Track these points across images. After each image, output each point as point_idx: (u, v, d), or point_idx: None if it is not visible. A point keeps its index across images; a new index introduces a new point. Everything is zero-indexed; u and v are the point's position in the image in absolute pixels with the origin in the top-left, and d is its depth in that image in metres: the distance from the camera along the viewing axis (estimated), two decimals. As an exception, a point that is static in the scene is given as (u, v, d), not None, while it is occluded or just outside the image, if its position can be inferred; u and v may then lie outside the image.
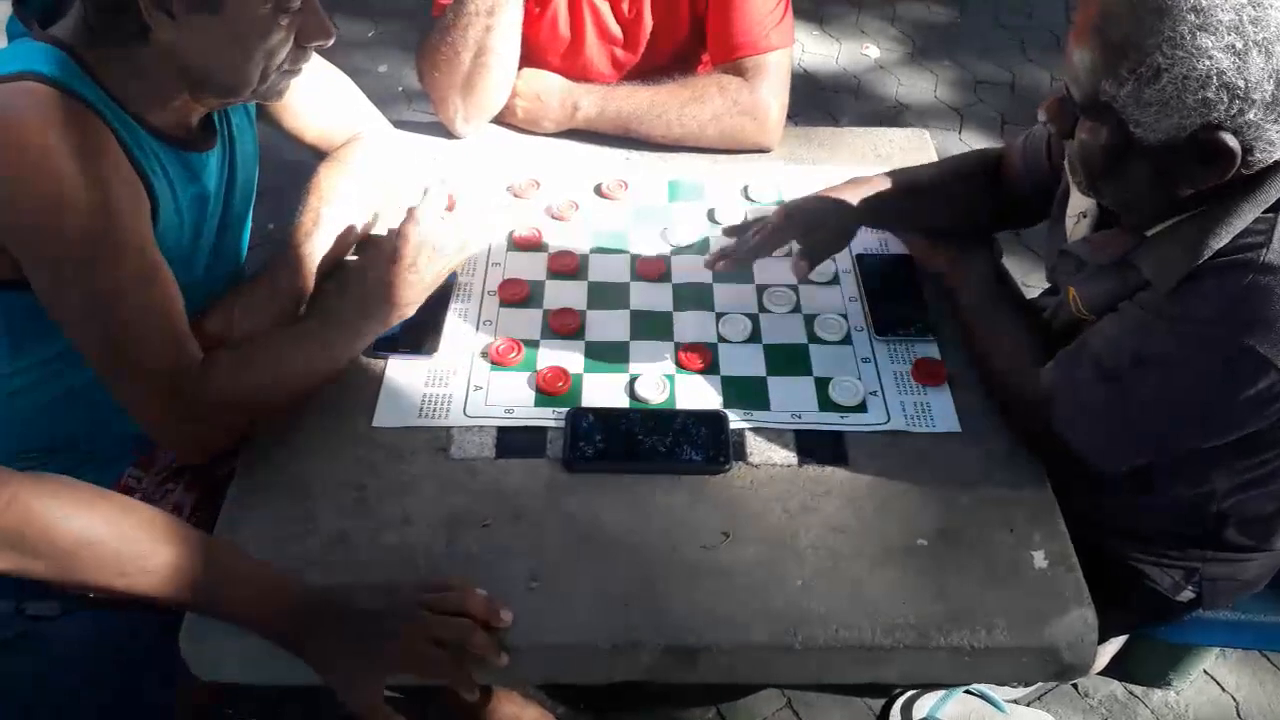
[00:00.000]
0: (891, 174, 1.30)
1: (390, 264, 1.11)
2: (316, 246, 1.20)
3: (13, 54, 0.96)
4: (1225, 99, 0.86)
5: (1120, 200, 1.01)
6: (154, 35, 0.96)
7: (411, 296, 1.13)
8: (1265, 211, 0.93)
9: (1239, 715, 1.74)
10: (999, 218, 1.32)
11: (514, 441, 1.09)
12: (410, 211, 1.14)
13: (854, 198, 1.25)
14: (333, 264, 1.23)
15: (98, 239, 0.94)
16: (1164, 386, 0.98)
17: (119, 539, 0.86)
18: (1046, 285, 1.35)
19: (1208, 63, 0.85)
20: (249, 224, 1.26)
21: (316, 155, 1.31)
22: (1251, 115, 0.86)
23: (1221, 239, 0.93)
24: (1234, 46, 0.84)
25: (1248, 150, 0.89)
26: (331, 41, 1.06)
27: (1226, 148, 0.88)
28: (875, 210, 1.26)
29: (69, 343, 1.05)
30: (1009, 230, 1.38)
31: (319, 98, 1.27)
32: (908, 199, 1.28)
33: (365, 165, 1.30)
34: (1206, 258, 0.94)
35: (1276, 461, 1.09)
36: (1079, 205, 1.13)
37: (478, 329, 1.22)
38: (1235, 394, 0.95)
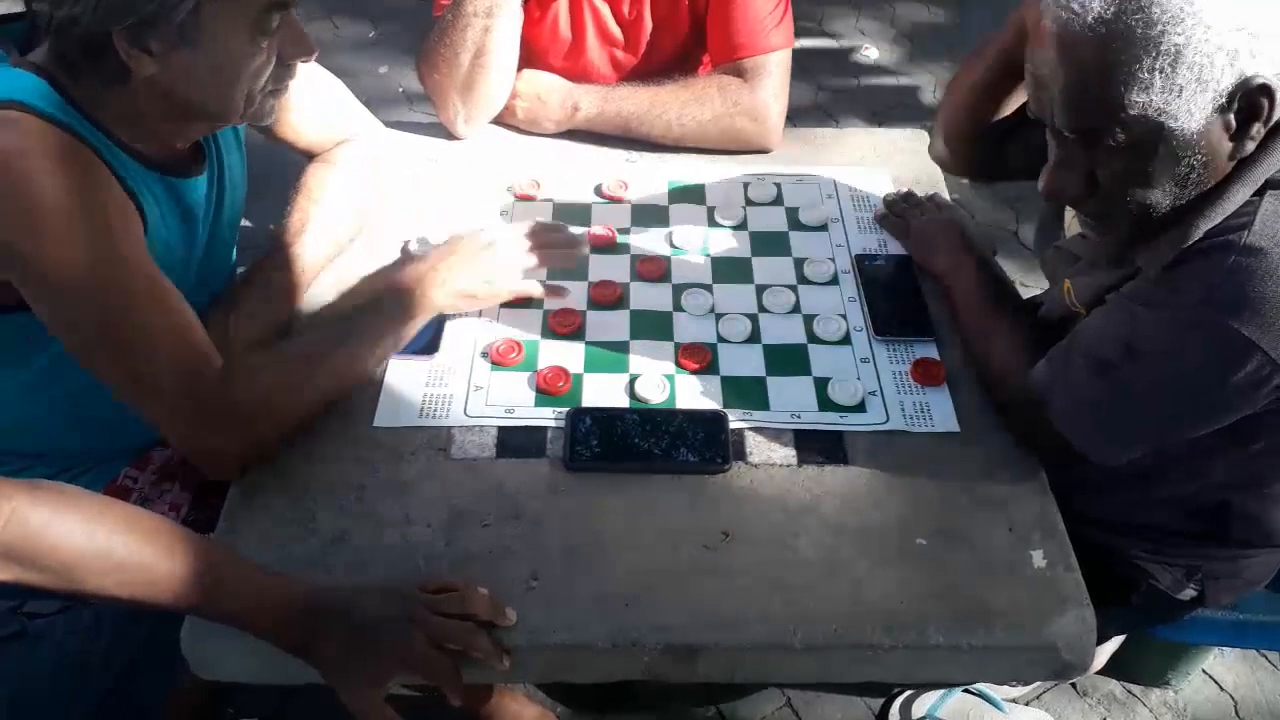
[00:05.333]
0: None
1: (420, 265, 1.17)
2: (306, 245, 1.20)
3: None
4: (1245, 41, 0.85)
5: (1144, 205, 0.97)
6: (135, 74, 0.95)
7: (437, 298, 1.16)
8: (1252, 195, 0.94)
9: (1237, 715, 1.74)
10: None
11: (514, 441, 1.09)
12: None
13: None
14: (326, 262, 1.24)
15: (101, 266, 0.93)
16: (1155, 375, 0.98)
17: (121, 550, 0.85)
18: (1044, 285, 1.35)
19: (1214, 11, 0.85)
20: (236, 243, 1.25)
21: (311, 158, 1.32)
22: (1271, 49, 0.86)
23: (1212, 220, 0.94)
24: None
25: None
26: (314, 57, 1.06)
27: (1267, 88, 0.87)
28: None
29: (50, 359, 1.03)
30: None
31: (310, 104, 1.27)
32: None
33: (353, 164, 1.31)
34: (1194, 240, 0.94)
35: (1270, 458, 1.09)
36: None
37: (478, 329, 1.22)
38: (1225, 378, 0.95)
